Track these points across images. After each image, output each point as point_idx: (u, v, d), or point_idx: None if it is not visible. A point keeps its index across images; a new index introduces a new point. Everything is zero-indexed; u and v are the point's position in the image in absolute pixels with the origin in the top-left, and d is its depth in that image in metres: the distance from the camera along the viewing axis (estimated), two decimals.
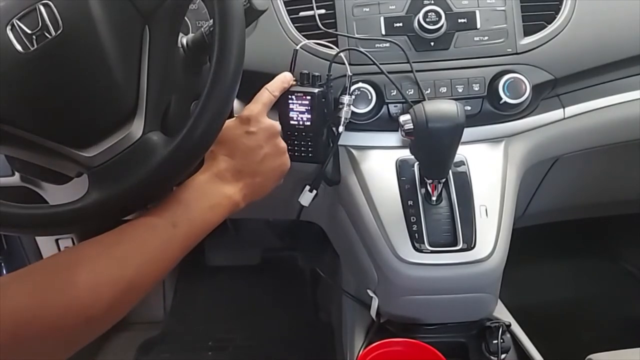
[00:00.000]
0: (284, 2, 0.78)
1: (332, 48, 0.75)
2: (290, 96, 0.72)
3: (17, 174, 0.93)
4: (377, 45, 0.76)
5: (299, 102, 0.72)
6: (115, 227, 0.54)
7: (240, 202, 0.62)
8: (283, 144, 0.67)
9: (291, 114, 0.73)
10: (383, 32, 0.76)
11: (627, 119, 0.85)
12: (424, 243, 0.72)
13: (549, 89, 0.80)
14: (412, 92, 0.76)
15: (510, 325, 0.82)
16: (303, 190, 0.80)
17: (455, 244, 0.72)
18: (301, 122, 0.73)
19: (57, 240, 1.17)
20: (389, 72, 0.75)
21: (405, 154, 0.75)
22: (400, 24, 0.76)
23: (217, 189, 0.60)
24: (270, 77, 0.76)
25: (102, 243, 0.52)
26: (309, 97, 0.72)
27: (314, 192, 0.79)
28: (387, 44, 0.76)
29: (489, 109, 0.77)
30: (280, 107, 0.72)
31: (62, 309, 0.45)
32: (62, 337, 0.46)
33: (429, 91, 0.76)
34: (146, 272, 0.52)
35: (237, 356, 1.33)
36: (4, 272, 1.26)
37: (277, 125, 0.67)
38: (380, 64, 0.75)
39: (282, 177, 0.68)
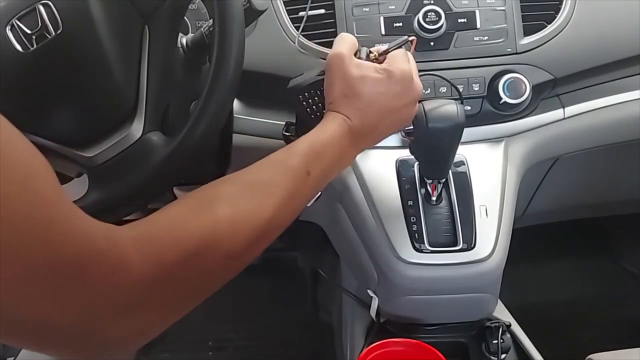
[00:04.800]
0: (284, 2, 0.78)
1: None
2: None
3: None
4: (376, 45, 0.76)
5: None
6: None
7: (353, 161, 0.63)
8: (412, 95, 0.62)
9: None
10: (383, 32, 0.76)
11: (627, 119, 0.85)
12: (424, 243, 0.72)
13: (549, 89, 0.80)
14: None
15: (510, 325, 0.82)
16: None
17: (455, 244, 0.72)
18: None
19: None
20: None
21: (405, 154, 0.75)
22: (400, 24, 0.76)
23: (348, 145, 0.59)
24: (270, 77, 0.76)
25: (241, 181, 0.52)
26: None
27: (319, 192, 0.78)
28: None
29: (489, 108, 0.77)
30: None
31: (203, 242, 0.44)
32: (200, 270, 0.45)
33: (428, 91, 0.76)
34: (281, 213, 0.52)
35: (237, 356, 1.33)
36: None
37: (412, 70, 0.62)
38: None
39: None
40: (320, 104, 0.66)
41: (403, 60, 0.61)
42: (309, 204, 0.76)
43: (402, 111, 0.62)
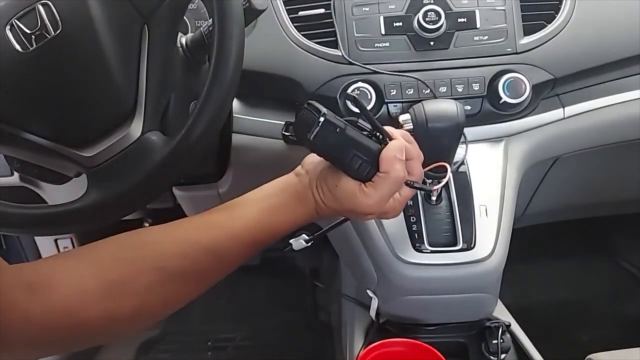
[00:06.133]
0: (283, 2, 0.78)
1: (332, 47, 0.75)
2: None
3: (16, 174, 0.93)
4: (376, 44, 0.76)
5: None
6: (114, 226, 0.55)
7: None
8: (394, 206, 0.59)
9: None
10: (382, 32, 0.76)
11: (627, 119, 0.85)
12: (423, 243, 0.72)
13: (549, 89, 0.80)
14: (411, 92, 0.76)
15: (510, 325, 0.81)
16: (298, 235, 0.69)
17: (455, 244, 0.72)
18: None
19: (56, 240, 1.17)
20: (388, 72, 0.75)
21: None
22: (400, 24, 0.76)
23: (307, 220, 0.59)
24: (269, 76, 0.76)
25: (158, 267, 0.51)
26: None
27: (310, 243, 0.68)
28: (387, 44, 0.76)
29: (489, 108, 0.77)
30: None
31: (98, 325, 0.47)
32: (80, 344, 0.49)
33: (428, 91, 0.76)
34: (193, 295, 0.54)
35: (236, 356, 1.32)
36: None
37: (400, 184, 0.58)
38: (380, 63, 0.75)
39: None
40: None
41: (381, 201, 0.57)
42: (296, 249, 0.69)
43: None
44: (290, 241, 0.69)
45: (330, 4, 0.77)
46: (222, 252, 0.54)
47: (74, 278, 0.46)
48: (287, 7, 0.78)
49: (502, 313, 0.85)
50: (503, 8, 0.77)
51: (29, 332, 0.43)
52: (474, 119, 0.77)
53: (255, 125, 0.80)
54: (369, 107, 0.74)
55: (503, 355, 0.78)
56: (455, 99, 0.73)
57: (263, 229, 0.56)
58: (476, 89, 0.76)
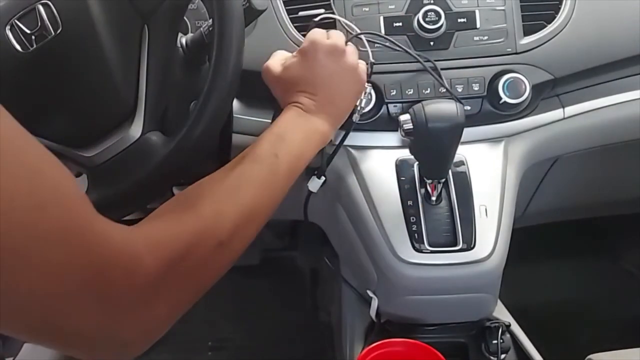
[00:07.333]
0: (283, 2, 0.78)
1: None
2: None
3: None
4: (376, 45, 0.76)
5: None
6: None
7: (328, 133, 0.66)
8: (351, 61, 0.68)
9: None
10: (382, 32, 0.76)
11: (627, 119, 0.85)
12: (423, 243, 0.72)
13: (549, 89, 0.80)
14: (411, 92, 0.76)
15: (510, 325, 0.81)
16: (310, 178, 0.76)
17: (455, 244, 0.72)
18: None
19: None
20: (388, 72, 0.75)
21: (405, 154, 0.75)
22: (400, 24, 0.76)
23: (306, 121, 0.64)
24: None
25: (215, 178, 0.55)
26: None
27: (323, 178, 0.75)
28: (387, 43, 0.76)
29: (489, 108, 0.77)
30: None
31: (195, 236, 0.47)
32: (198, 261, 0.48)
33: (428, 91, 0.76)
34: (260, 199, 0.56)
35: (237, 356, 1.33)
36: None
37: (339, 44, 0.67)
38: (380, 63, 0.75)
39: (359, 95, 0.71)
40: None
41: (313, 31, 0.68)
42: (314, 190, 0.75)
43: (342, 67, 0.67)
44: (307, 185, 0.76)
45: (330, 4, 0.77)
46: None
47: (164, 215, 0.50)
48: (287, 7, 0.78)
49: (502, 313, 0.85)
50: (503, 8, 0.77)
51: (159, 255, 0.43)
52: (474, 119, 0.77)
53: (256, 126, 0.80)
54: (368, 108, 0.74)
55: (503, 356, 0.78)
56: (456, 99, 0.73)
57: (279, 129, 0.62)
58: (476, 89, 0.76)
